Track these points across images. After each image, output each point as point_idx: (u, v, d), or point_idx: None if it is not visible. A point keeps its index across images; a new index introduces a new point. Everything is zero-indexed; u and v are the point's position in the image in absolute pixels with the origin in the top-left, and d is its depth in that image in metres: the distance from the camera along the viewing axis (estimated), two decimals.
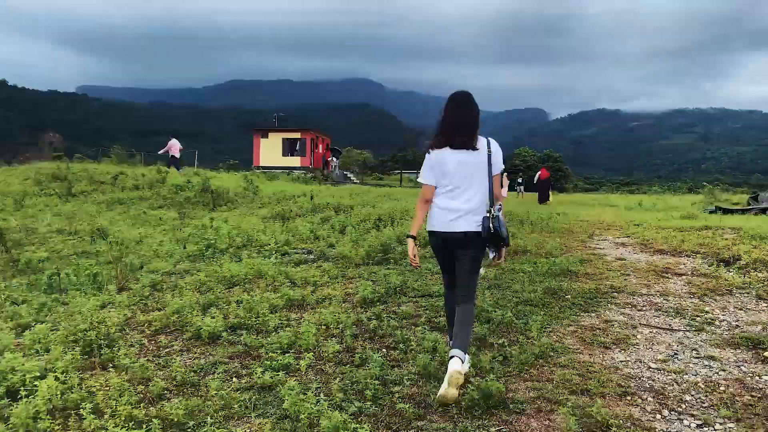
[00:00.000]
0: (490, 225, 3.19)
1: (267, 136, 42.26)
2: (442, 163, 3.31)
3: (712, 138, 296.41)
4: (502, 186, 3.61)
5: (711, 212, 14.27)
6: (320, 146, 44.36)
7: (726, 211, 14.20)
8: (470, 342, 3.38)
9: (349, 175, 43.67)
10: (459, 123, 3.29)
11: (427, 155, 3.39)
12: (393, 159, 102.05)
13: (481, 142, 3.31)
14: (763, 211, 14.09)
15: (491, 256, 3.34)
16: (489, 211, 3.24)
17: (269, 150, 41.81)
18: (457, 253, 3.36)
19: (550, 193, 24.01)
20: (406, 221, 9.19)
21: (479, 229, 3.23)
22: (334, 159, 43.04)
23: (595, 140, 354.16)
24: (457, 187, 3.30)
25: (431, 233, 3.42)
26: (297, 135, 41.81)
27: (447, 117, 3.32)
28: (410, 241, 3.42)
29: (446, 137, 3.31)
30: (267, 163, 41.38)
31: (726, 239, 8.39)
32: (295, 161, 41.13)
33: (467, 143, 3.27)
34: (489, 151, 3.29)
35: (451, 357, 3.07)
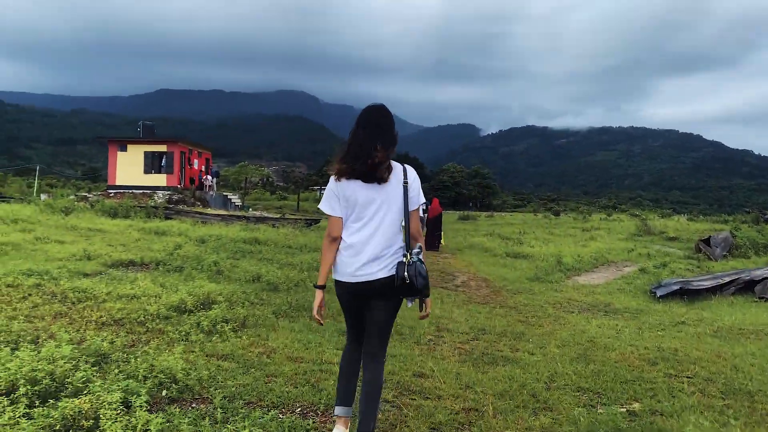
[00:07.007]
0: (405, 274, 2.53)
1: (125, 149, 34.41)
2: (348, 195, 2.65)
3: (633, 155, 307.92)
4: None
5: (665, 296, 8.37)
6: (196, 162, 36.92)
7: (691, 294, 8.35)
8: (377, 424, 2.72)
9: (231, 198, 36.46)
10: (369, 146, 2.60)
11: (330, 181, 2.72)
12: (319, 173, 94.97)
13: (396, 169, 2.69)
14: (749, 286, 8.40)
15: (409, 305, 2.76)
16: (405, 256, 2.60)
17: (128, 166, 34.07)
18: (369, 304, 2.71)
19: (442, 234, 17.38)
20: None
21: (392, 273, 2.60)
22: (209, 178, 35.62)
23: (524, 156, 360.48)
24: (367, 225, 2.64)
25: (337, 283, 2.73)
26: (163, 148, 34.14)
27: (356, 138, 2.65)
28: (318, 294, 2.77)
29: (353, 163, 2.61)
30: (125, 181, 33.69)
31: None
32: (160, 179, 33.61)
33: (378, 170, 2.60)
34: (405, 182, 2.68)
35: None
